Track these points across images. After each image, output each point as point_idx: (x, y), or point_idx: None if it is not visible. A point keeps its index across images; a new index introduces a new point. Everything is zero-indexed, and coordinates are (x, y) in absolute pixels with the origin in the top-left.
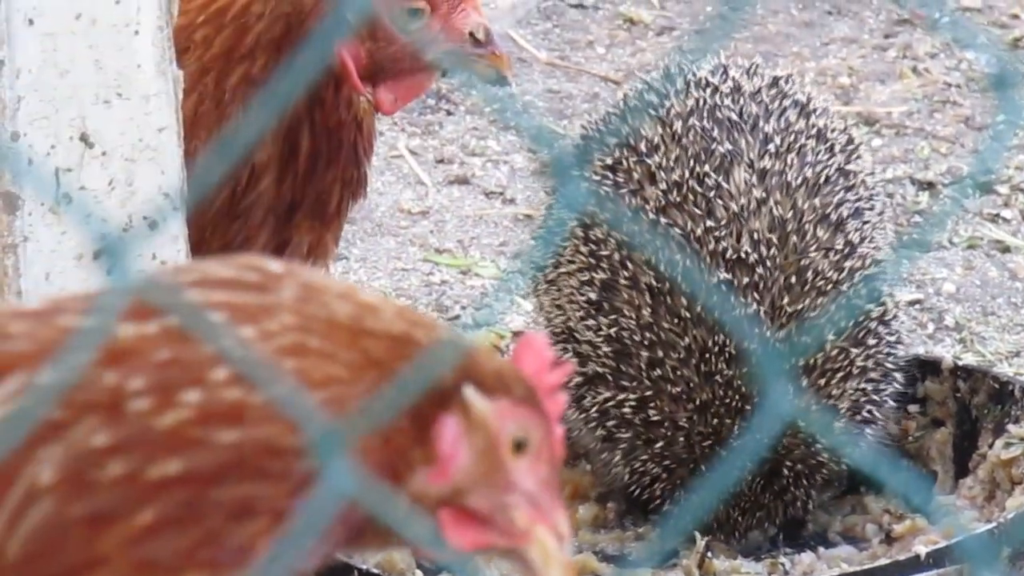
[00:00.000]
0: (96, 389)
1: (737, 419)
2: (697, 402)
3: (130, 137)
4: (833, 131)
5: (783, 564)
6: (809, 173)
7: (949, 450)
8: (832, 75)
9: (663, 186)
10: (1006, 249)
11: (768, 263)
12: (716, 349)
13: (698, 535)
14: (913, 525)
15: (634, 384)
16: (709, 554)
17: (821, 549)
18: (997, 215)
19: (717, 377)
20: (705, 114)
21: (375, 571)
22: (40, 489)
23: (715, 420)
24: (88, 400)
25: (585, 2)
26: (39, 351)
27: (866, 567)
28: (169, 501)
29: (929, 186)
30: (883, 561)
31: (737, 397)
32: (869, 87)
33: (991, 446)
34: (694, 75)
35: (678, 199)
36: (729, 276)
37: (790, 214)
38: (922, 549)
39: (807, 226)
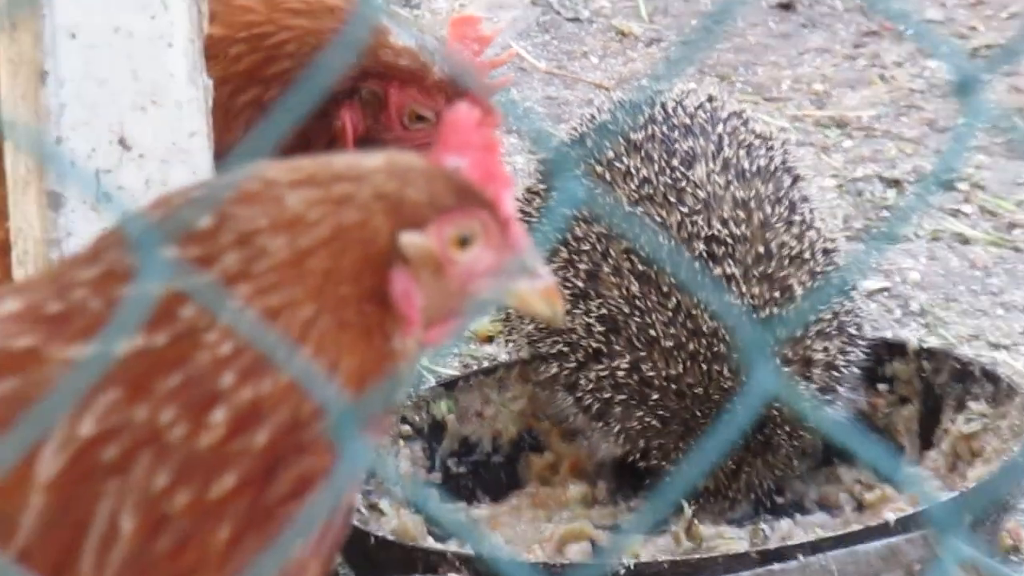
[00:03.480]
0: (136, 427)
1: (723, 366)
2: (687, 352)
3: (164, 141)
4: (770, 135)
5: (763, 530)
6: (761, 163)
7: (915, 425)
8: (807, 82)
9: (635, 183)
10: (966, 241)
11: (738, 237)
12: (700, 307)
13: (686, 504)
14: (882, 494)
15: (627, 350)
16: (696, 521)
17: (798, 516)
18: (958, 210)
19: (704, 328)
20: (663, 123)
21: (390, 537)
22: (122, 534)
23: (704, 366)
24: (134, 439)
25: (580, 16)
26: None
27: (839, 533)
28: (238, 510)
29: (896, 183)
30: (855, 527)
31: (722, 345)
32: (841, 93)
33: (953, 422)
34: (651, 98)
35: (651, 192)
36: (706, 250)
37: (752, 196)
38: (891, 516)
39: (767, 205)
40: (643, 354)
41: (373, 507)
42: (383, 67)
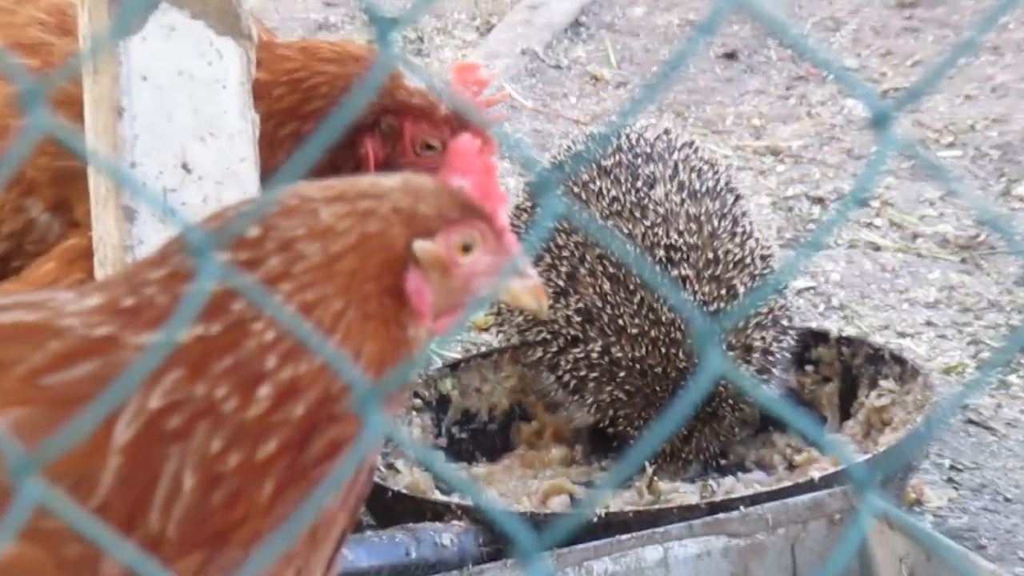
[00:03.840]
0: (195, 401)
1: (679, 350)
2: (649, 338)
3: (219, 165)
4: (716, 161)
5: (711, 485)
6: (710, 184)
7: (835, 400)
8: (747, 118)
9: (606, 201)
10: (877, 248)
11: (691, 246)
12: (660, 302)
13: (647, 464)
14: (809, 456)
15: (599, 337)
16: (655, 478)
17: (739, 474)
18: (871, 223)
19: (663, 319)
20: (628, 152)
21: (404, 491)
22: (184, 490)
23: (663, 350)
24: (193, 411)
25: (561, 64)
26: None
27: (773, 488)
28: (280, 470)
29: (820, 201)
30: (786, 483)
31: (678, 333)
32: (774, 127)
33: (867, 397)
34: (618, 131)
35: (619, 209)
36: (665, 256)
37: (702, 212)
38: (816, 474)
39: (714, 219)
40: (613, 340)
41: (390, 466)
42: (399, 105)
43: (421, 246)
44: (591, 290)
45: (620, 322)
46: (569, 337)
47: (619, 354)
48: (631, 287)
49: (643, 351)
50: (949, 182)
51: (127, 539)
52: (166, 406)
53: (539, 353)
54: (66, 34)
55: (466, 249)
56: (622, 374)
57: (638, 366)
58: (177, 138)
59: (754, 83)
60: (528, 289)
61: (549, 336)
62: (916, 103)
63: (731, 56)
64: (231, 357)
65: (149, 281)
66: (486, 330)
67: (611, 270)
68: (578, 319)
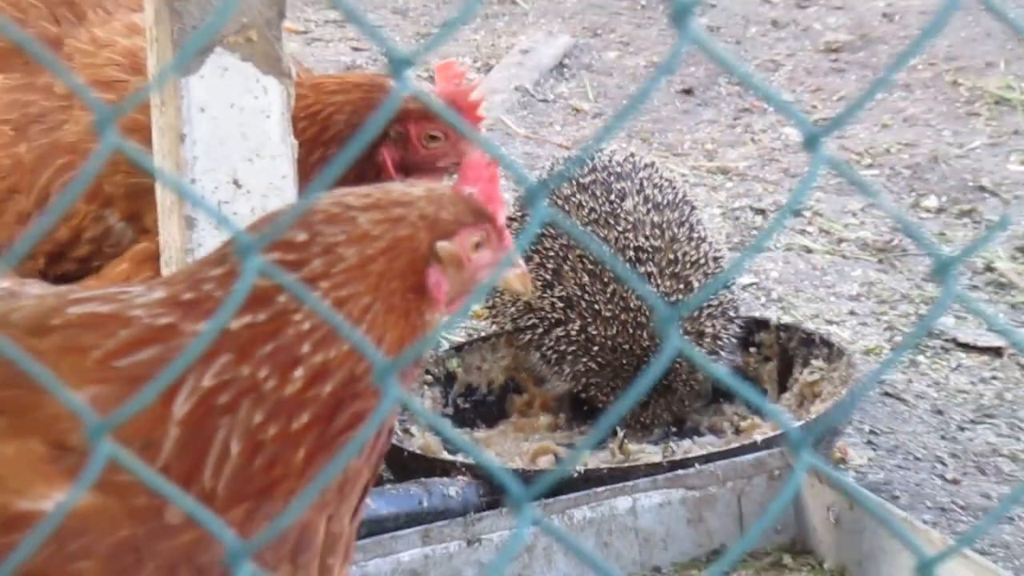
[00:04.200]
0: (241, 380)
1: (643, 331)
2: (619, 321)
3: (264, 181)
4: (674, 179)
5: (672, 447)
6: (670, 197)
7: (775, 376)
8: (701, 143)
9: (585, 212)
10: (809, 251)
11: (655, 248)
12: (629, 292)
13: (618, 429)
14: (753, 423)
15: (578, 319)
16: (625, 440)
17: (695, 438)
18: (804, 229)
19: (631, 304)
20: (601, 171)
21: (417, 451)
22: (231, 454)
23: (630, 331)
24: (239, 389)
25: (548, 98)
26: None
27: (723, 449)
28: (310, 437)
29: (761, 212)
30: (734, 445)
31: (643, 317)
32: (724, 150)
33: (801, 373)
34: (594, 154)
35: (595, 218)
36: (634, 256)
37: (664, 220)
38: (758, 437)
39: (674, 227)
40: (589, 321)
41: (406, 431)
42: (401, 113)
43: (442, 246)
44: (572, 282)
45: (596, 307)
46: (553, 320)
47: (594, 332)
48: (605, 280)
49: (614, 331)
50: (869, 196)
51: (186, 494)
52: (217, 385)
53: (528, 336)
54: (138, 73)
55: (477, 246)
56: (595, 348)
57: (609, 343)
58: (229, 159)
59: (707, 114)
60: (518, 276)
61: (537, 321)
62: (841, 130)
63: (688, 92)
64: (272, 343)
65: (206, 278)
66: (484, 319)
67: (589, 266)
68: (561, 305)
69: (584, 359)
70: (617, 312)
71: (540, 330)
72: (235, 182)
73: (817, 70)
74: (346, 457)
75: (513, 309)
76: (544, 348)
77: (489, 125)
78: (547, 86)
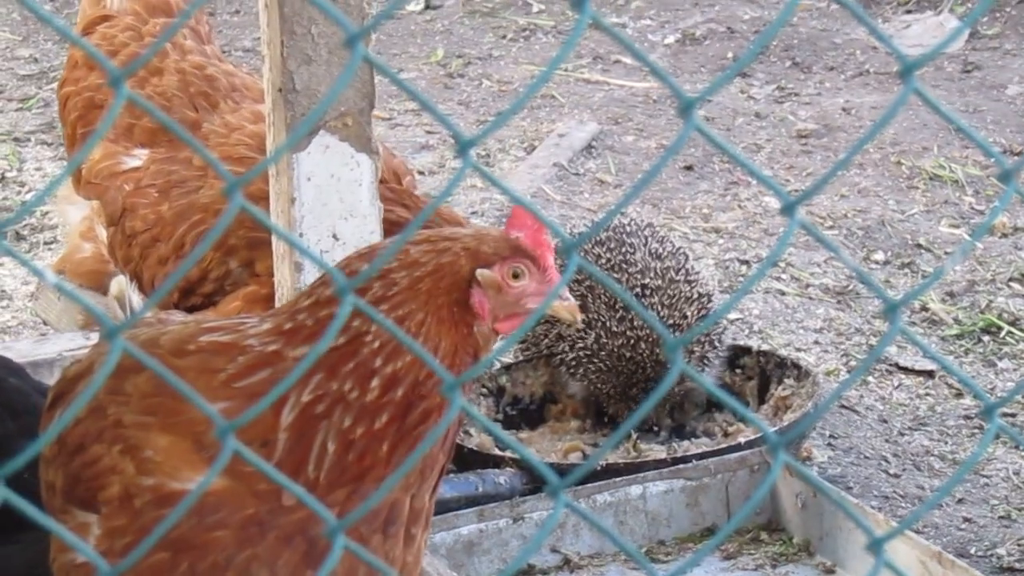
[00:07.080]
0: (332, 393)
1: (640, 342)
2: (624, 337)
3: (356, 236)
4: (670, 237)
5: (675, 446)
6: (669, 249)
7: (756, 391)
8: (699, 208)
9: (603, 261)
10: (783, 293)
11: (658, 287)
12: (637, 322)
13: (632, 431)
14: (738, 428)
15: (599, 340)
16: (637, 441)
17: (692, 439)
18: (779, 276)
19: (639, 331)
20: (614, 232)
21: (475, 448)
22: (328, 452)
23: (631, 342)
24: (331, 400)
25: (579, 172)
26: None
27: (714, 448)
28: (391, 433)
29: (746, 263)
30: (723, 445)
31: (641, 333)
32: (717, 214)
33: (776, 390)
34: (613, 216)
35: (612, 265)
36: (640, 294)
37: (665, 267)
38: (742, 439)
39: (672, 272)
40: (601, 335)
41: (466, 432)
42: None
43: (482, 272)
44: (593, 311)
45: (614, 330)
46: (576, 337)
47: (605, 342)
48: (617, 308)
49: (619, 342)
50: (830, 250)
51: (295, 482)
52: (314, 399)
53: (559, 360)
54: (263, 152)
55: (516, 276)
56: (603, 354)
57: (616, 351)
58: (329, 218)
59: (704, 185)
60: (566, 307)
61: (565, 346)
62: (809, 200)
63: (689, 168)
64: (353, 361)
65: (300, 309)
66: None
67: (606, 300)
68: (583, 327)
69: (596, 363)
70: (623, 329)
71: (565, 347)
72: (334, 236)
73: (790, 152)
74: (424, 447)
75: (546, 342)
76: (568, 359)
77: (533, 193)
78: (579, 163)
